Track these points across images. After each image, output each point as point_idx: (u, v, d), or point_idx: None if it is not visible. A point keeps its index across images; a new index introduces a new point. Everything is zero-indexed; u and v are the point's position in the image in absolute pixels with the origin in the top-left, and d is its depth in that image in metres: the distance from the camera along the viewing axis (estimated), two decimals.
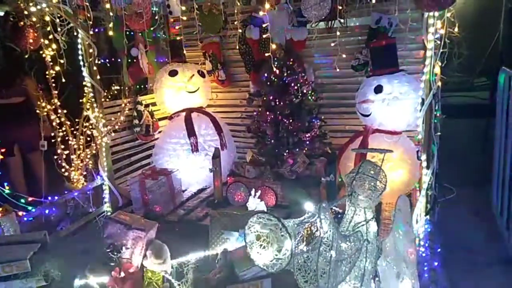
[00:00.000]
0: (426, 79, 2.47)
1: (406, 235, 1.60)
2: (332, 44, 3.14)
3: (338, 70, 3.41)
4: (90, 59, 3.18)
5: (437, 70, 2.47)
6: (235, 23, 3.48)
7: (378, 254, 1.48)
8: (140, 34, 4.01)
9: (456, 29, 2.35)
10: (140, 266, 2.20)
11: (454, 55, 2.30)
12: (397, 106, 3.26)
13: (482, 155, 4.63)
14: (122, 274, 2.19)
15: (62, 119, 3.56)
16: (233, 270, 2.32)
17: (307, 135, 3.66)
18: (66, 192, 3.54)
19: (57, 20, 2.96)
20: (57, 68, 3.21)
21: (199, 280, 2.27)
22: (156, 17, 3.43)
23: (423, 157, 2.56)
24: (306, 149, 3.67)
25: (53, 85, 3.45)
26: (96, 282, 2.11)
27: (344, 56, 3.44)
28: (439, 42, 2.36)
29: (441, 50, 2.31)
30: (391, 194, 3.27)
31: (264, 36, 3.74)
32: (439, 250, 2.39)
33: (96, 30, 3.51)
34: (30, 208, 3.24)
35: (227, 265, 2.34)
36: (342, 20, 3.51)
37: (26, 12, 2.91)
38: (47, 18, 2.93)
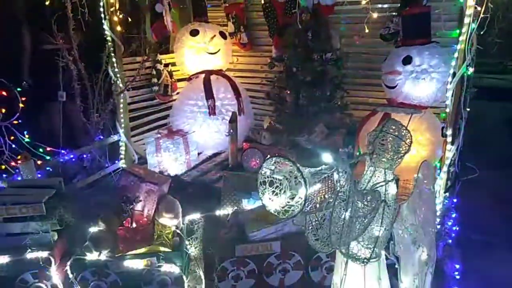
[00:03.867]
0: (461, 48, 2.32)
1: (428, 201, 1.53)
2: (361, 6, 2.95)
3: (363, 37, 3.23)
4: (111, 9, 3.10)
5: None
6: None
7: (395, 217, 1.42)
8: None
9: None
10: (152, 219, 2.21)
11: (498, 19, 2.12)
12: (425, 79, 3.11)
13: (509, 139, 4.45)
14: (134, 225, 2.22)
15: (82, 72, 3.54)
16: (243, 230, 2.32)
17: (327, 105, 3.55)
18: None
19: None
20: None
21: (209, 237, 2.27)
22: None
23: (449, 131, 2.44)
24: (325, 119, 3.57)
25: (74, 36, 3.41)
26: (109, 230, 2.13)
27: (375, 16, 3.24)
28: (478, 8, 2.19)
29: (481, 16, 2.14)
30: (409, 171, 3.19)
31: None
32: (455, 228, 2.32)
33: None
34: (48, 157, 3.29)
35: (237, 225, 2.34)
36: None
37: None
38: None
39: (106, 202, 2.77)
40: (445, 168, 2.43)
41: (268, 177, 1.46)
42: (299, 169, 1.39)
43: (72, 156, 3.34)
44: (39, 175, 2.98)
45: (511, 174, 3.57)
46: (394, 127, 1.43)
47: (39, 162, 3.18)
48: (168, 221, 2.18)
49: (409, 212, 1.52)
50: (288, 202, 1.39)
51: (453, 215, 2.45)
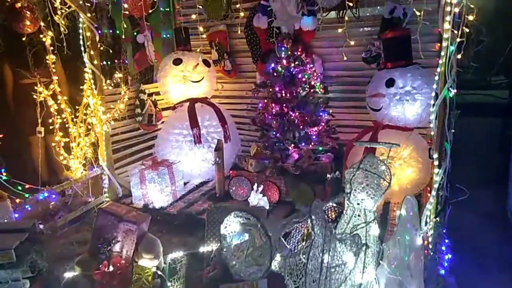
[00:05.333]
0: (441, 71, 2.30)
1: (412, 241, 1.45)
2: (340, 30, 2.97)
3: (345, 58, 3.24)
4: (88, 43, 3.06)
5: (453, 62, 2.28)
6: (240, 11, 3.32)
7: (378, 260, 1.34)
8: (146, 21, 3.91)
9: (473, 17, 2.16)
10: (131, 260, 2.10)
11: (472, 43, 2.12)
12: (409, 101, 3.10)
13: (498, 156, 4.43)
14: (111, 268, 2.10)
15: (62, 106, 3.47)
16: (227, 268, 2.21)
17: (313, 129, 3.52)
18: (63, 180, 3.47)
19: (57, 2, 2.85)
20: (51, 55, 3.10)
21: (192, 277, 2.16)
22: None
23: (435, 155, 2.40)
24: (312, 144, 3.53)
25: (53, 70, 3.35)
26: (84, 275, 2.02)
27: (352, 43, 3.28)
28: (456, 32, 2.19)
29: (458, 40, 2.13)
30: (400, 193, 3.13)
31: (272, 25, 3.59)
32: (448, 256, 2.24)
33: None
34: (27, 195, 3.17)
35: (221, 263, 2.23)
36: (354, 10, 3.36)
37: None
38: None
39: (88, 241, 2.66)
40: (434, 193, 2.36)
41: (233, 232, 1.37)
42: (263, 226, 1.31)
43: (53, 195, 3.23)
44: (15, 215, 2.86)
45: (502, 191, 3.50)
46: (371, 164, 1.37)
47: (17, 200, 3.06)
48: (148, 262, 2.07)
49: (393, 252, 1.44)
50: (254, 260, 1.31)
51: (445, 241, 2.36)
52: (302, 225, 1.44)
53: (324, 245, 1.19)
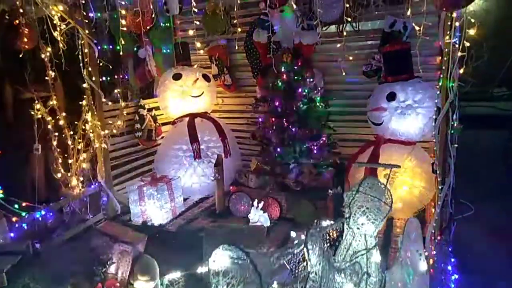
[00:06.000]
0: (443, 85, 2.27)
1: (416, 266, 1.39)
2: (338, 45, 2.95)
3: (344, 73, 3.21)
4: (87, 59, 3.06)
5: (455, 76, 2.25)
6: (238, 26, 3.32)
7: None
8: (147, 36, 3.92)
9: (474, 31, 2.13)
10: (126, 283, 2.04)
11: (471, 59, 2.09)
12: (411, 115, 3.06)
13: (502, 169, 4.36)
14: None
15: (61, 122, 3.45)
16: None
17: (314, 144, 3.47)
18: (62, 198, 3.42)
19: (56, 18, 2.84)
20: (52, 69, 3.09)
21: None
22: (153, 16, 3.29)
23: (438, 171, 2.35)
24: (313, 158, 3.48)
25: (52, 86, 3.34)
26: None
27: (351, 58, 3.26)
28: (457, 45, 2.16)
29: (459, 54, 2.10)
30: (403, 209, 3.07)
31: (272, 39, 3.58)
32: (455, 277, 2.16)
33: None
34: (23, 213, 3.12)
35: None
36: (354, 24, 3.35)
37: (21, 10, 2.81)
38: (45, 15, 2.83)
39: (85, 260, 2.59)
40: (438, 209, 2.30)
41: (222, 266, 1.31)
42: (252, 262, 1.24)
43: (50, 213, 3.18)
44: (11, 235, 2.80)
45: (508, 206, 3.43)
46: (371, 186, 1.32)
47: (14, 219, 3.01)
48: (144, 284, 2.01)
49: (396, 280, 1.37)
50: None
51: (451, 260, 2.29)
52: (284, 260, 1.37)
53: (322, 278, 1.13)
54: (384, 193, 1.32)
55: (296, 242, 1.35)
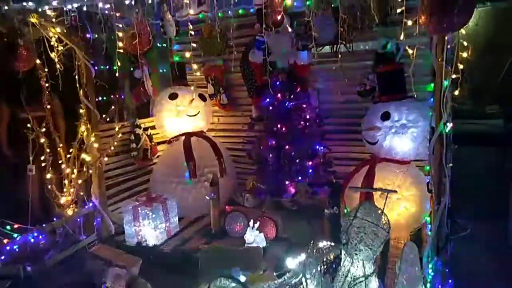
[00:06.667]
0: (436, 106, 2.29)
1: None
2: (334, 68, 3.00)
3: (339, 93, 3.24)
4: (83, 80, 3.07)
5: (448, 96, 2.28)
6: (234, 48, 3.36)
7: None
8: (143, 57, 3.95)
9: (467, 54, 2.17)
10: None
11: (464, 80, 2.12)
12: (405, 134, 3.09)
13: (497, 187, 4.36)
14: None
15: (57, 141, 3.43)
16: None
17: (310, 163, 3.48)
18: (55, 218, 3.36)
19: (53, 40, 2.87)
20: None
21: None
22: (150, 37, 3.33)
23: (434, 191, 2.35)
24: (309, 177, 3.48)
25: (48, 106, 3.34)
26: None
27: (346, 80, 3.30)
28: (450, 68, 2.20)
29: (452, 76, 2.14)
30: (399, 228, 3.06)
31: (267, 59, 3.62)
32: None
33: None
34: (15, 235, 3.07)
35: None
36: (348, 45, 3.41)
37: (19, 32, 2.84)
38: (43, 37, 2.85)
39: (79, 283, 2.54)
40: (434, 230, 2.29)
41: None
42: None
43: (43, 234, 3.12)
44: (1, 257, 2.74)
45: (505, 225, 3.42)
46: (368, 212, 1.32)
47: (5, 241, 2.95)
48: None
49: None
50: None
51: (447, 279, 2.27)
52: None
53: None
54: (381, 218, 1.32)
55: (292, 270, 1.34)
